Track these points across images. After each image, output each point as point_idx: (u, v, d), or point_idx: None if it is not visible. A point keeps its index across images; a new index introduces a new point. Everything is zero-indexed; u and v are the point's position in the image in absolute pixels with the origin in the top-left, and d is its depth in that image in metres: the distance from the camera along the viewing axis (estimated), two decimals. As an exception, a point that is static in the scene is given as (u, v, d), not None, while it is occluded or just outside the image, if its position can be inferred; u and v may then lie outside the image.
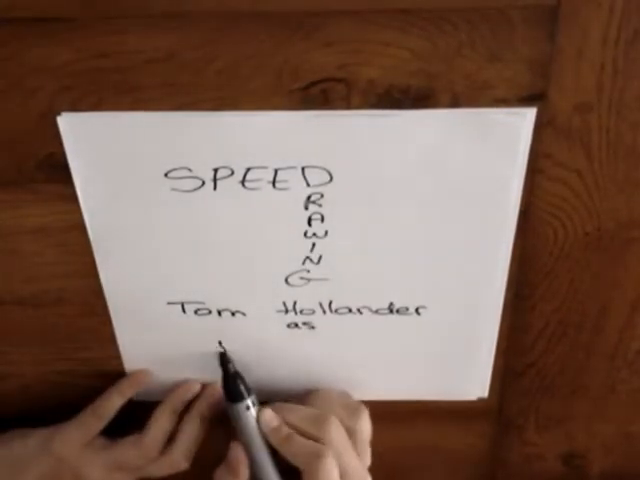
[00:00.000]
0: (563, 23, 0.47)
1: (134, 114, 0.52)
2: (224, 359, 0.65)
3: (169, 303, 0.63)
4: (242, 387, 0.63)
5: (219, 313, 0.64)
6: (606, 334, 0.66)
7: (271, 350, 0.67)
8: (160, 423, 0.66)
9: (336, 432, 0.60)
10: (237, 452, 0.61)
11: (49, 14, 0.48)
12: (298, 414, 0.62)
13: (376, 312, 0.64)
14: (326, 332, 0.66)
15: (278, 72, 0.50)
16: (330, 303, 0.63)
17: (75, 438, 0.66)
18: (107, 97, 0.51)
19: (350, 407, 0.65)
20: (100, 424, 0.66)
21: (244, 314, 0.64)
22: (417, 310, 0.63)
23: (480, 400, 0.71)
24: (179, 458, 0.66)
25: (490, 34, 0.48)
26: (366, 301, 0.63)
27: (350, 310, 0.64)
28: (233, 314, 0.64)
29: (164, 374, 0.69)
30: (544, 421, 0.74)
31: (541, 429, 0.74)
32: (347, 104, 0.51)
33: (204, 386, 0.69)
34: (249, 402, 0.62)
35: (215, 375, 0.69)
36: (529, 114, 0.51)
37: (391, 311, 0.63)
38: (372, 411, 0.72)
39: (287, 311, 0.64)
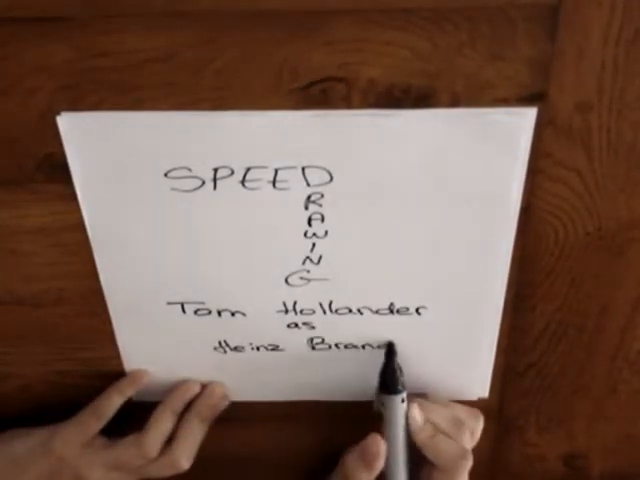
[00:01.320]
0: (564, 22, 0.47)
1: (134, 114, 0.52)
2: (391, 350, 0.66)
3: (169, 303, 0.63)
4: (401, 381, 0.65)
5: (219, 313, 0.64)
6: (607, 334, 0.66)
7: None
8: (160, 423, 0.66)
9: (466, 435, 0.65)
10: (378, 445, 0.64)
11: (49, 13, 0.48)
12: (440, 413, 0.66)
13: (376, 312, 0.63)
14: (326, 332, 0.66)
15: (278, 72, 0.50)
16: (330, 303, 0.63)
17: (75, 437, 0.66)
18: (107, 97, 0.51)
19: (472, 412, 0.68)
20: (99, 423, 0.66)
21: (244, 314, 0.64)
22: (417, 310, 0.63)
23: (480, 400, 0.71)
24: (179, 458, 0.66)
25: (491, 33, 0.48)
26: (366, 301, 0.63)
27: (350, 310, 0.63)
28: (233, 314, 0.64)
29: (164, 374, 0.69)
30: (545, 421, 0.74)
31: (542, 429, 0.74)
32: (347, 104, 0.51)
33: (204, 386, 0.69)
34: (404, 396, 0.65)
35: (215, 375, 0.69)
36: (529, 114, 0.51)
37: (391, 311, 0.63)
38: (372, 412, 0.72)
39: (287, 311, 0.64)
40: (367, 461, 0.63)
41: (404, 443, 0.65)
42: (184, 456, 0.66)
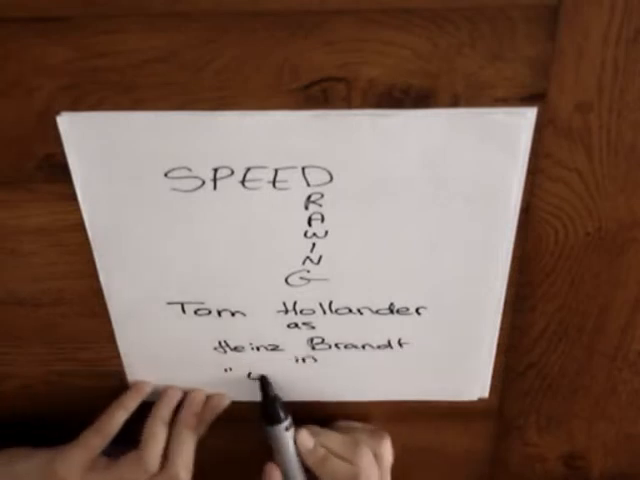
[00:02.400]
0: (564, 22, 0.47)
1: (134, 114, 0.52)
2: (264, 382, 0.68)
3: (169, 303, 0.63)
4: (281, 410, 0.67)
5: (219, 313, 0.64)
6: (607, 334, 0.66)
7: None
8: (156, 437, 0.66)
9: (367, 456, 0.66)
10: (272, 472, 0.67)
11: (49, 13, 0.48)
12: (332, 438, 0.68)
13: (376, 312, 0.63)
14: (326, 332, 0.66)
15: (278, 71, 0.50)
16: (330, 303, 0.63)
17: (78, 459, 0.65)
18: (107, 97, 0.51)
19: (375, 433, 0.70)
20: (104, 442, 0.66)
21: (244, 314, 0.64)
22: (417, 310, 0.63)
23: (480, 400, 0.71)
24: (179, 472, 0.66)
25: (491, 34, 0.48)
26: (366, 301, 0.63)
27: (350, 310, 0.63)
28: (233, 314, 0.64)
29: (163, 374, 0.69)
30: (545, 421, 0.74)
31: (542, 429, 0.74)
32: (347, 104, 0.51)
33: (186, 393, 0.70)
34: (287, 424, 0.67)
35: (214, 374, 0.69)
36: (530, 114, 0.51)
37: (391, 311, 0.63)
38: (372, 411, 0.72)
39: (287, 311, 0.64)
40: None
41: (299, 469, 0.68)
42: (183, 469, 0.66)
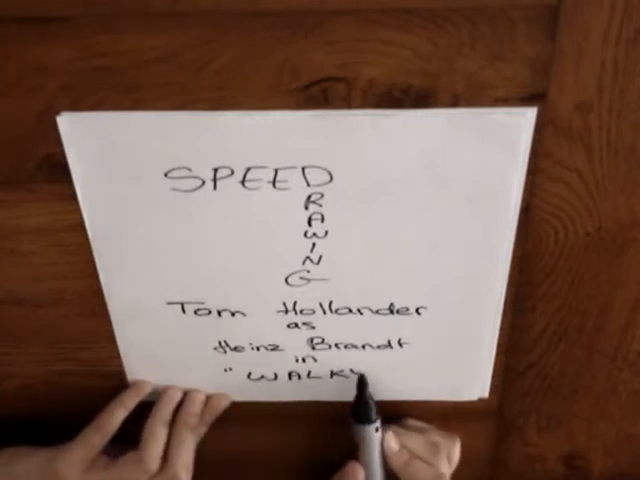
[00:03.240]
0: (564, 22, 0.47)
1: (134, 114, 0.52)
2: (362, 382, 0.68)
3: (169, 303, 0.63)
4: (374, 411, 0.67)
5: (219, 313, 0.64)
6: (607, 334, 0.66)
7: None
8: (156, 437, 0.66)
9: (445, 460, 0.68)
10: (356, 471, 0.67)
11: (49, 13, 0.48)
12: (414, 440, 0.68)
13: (376, 312, 0.63)
14: (326, 332, 0.66)
15: (278, 71, 0.50)
16: (330, 303, 0.63)
17: (78, 457, 0.65)
18: (107, 97, 0.51)
19: (448, 436, 0.71)
20: (104, 440, 0.66)
21: (244, 314, 0.64)
22: (417, 310, 0.63)
23: (480, 400, 0.71)
24: (179, 472, 0.66)
25: (491, 34, 0.48)
26: (366, 301, 0.63)
27: (350, 310, 0.63)
28: (233, 314, 0.64)
29: (163, 374, 0.69)
30: (545, 421, 0.74)
31: (542, 430, 0.74)
32: (347, 104, 0.51)
33: (186, 393, 0.70)
34: (377, 425, 0.67)
35: (214, 374, 0.69)
36: (530, 114, 0.51)
37: (391, 311, 0.63)
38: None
39: (287, 311, 0.64)
40: None
41: (381, 470, 0.68)
42: (183, 469, 0.66)
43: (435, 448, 0.68)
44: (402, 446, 0.67)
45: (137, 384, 0.68)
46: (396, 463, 0.67)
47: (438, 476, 0.66)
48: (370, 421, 0.67)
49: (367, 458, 0.67)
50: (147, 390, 0.68)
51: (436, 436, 0.70)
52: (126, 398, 0.67)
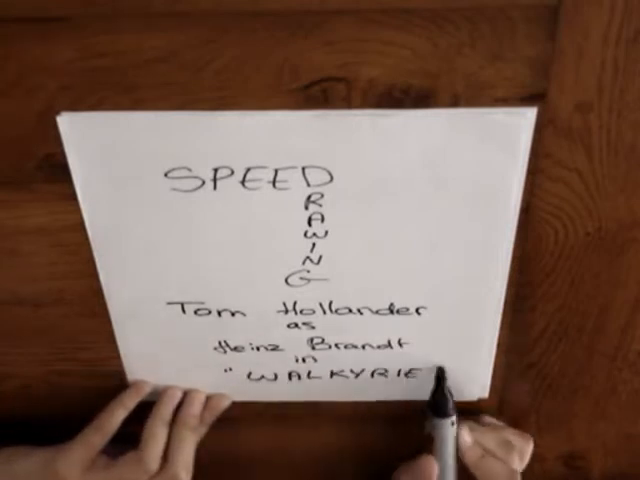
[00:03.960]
0: (564, 22, 0.47)
1: (134, 114, 0.52)
2: (441, 374, 0.68)
3: (169, 303, 0.63)
4: (451, 404, 0.67)
5: (219, 313, 0.64)
6: (607, 334, 0.66)
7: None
8: (156, 437, 0.66)
9: (517, 459, 0.68)
10: (431, 466, 0.66)
11: (49, 13, 0.48)
12: (488, 436, 0.68)
13: (376, 312, 0.63)
14: (326, 332, 0.65)
15: (278, 71, 0.50)
16: (330, 303, 0.63)
17: (78, 457, 0.65)
18: (107, 97, 0.51)
19: (521, 435, 0.71)
20: (104, 440, 0.66)
21: (244, 314, 0.64)
22: (417, 310, 0.63)
23: (480, 400, 0.71)
24: (179, 472, 0.66)
25: (491, 34, 0.48)
26: (366, 301, 0.63)
27: (350, 310, 0.63)
28: (233, 314, 0.64)
29: (163, 374, 0.69)
30: (545, 422, 0.74)
31: (542, 430, 0.74)
32: (347, 104, 0.51)
33: (186, 393, 0.70)
34: (453, 419, 0.67)
35: (214, 375, 0.69)
36: (530, 114, 0.51)
37: (391, 311, 0.63)
38: (372, 411, 0.72)
39: (287, 311, 0.64)
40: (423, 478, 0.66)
41: (454, 464, 0.68)
42: (183, 469, 0.66)
43: (508, 446, 0.68)
44: (476, 442, 0.68)
45: (137, 384, 0.68)
46: (470, 458, 0.67)
47: (510, 473, 0.67)
48: (447, 415, 0.66)
49: (441, 451, 0.67)
50: (147, 390, 0.68)
51: (510, 434, 0.70)
52: (126, 398, 0.67)
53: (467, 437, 0.67)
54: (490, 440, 0.68)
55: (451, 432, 0.67)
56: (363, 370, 0.69)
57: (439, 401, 0.67)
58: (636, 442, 0.76)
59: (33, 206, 0.57)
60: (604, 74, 0.49)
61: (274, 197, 0.55)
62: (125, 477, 0.65)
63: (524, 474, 0.69)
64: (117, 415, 0.66)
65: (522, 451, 0.69)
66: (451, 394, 0.67)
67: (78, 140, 0.53)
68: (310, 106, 0.51)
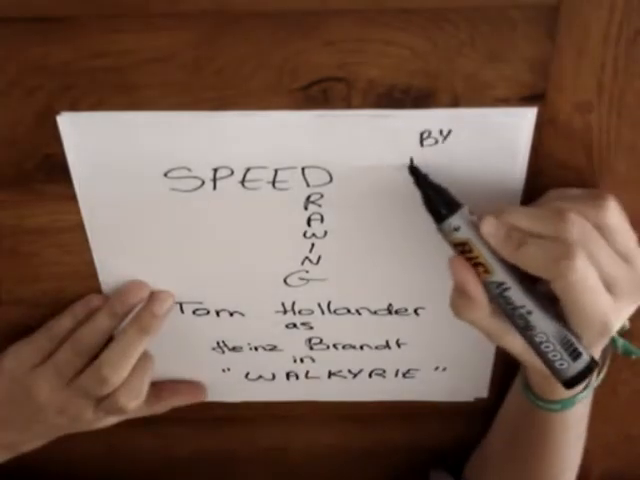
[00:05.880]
0: (564, 22, 0.47)
1: (133, 114, 0.52)
2: (416, 172, 0.53)
3: (168, 303, 0.63)
4: (445, 202, 0.51)
5: (217, 313, 0.64)
6: (606, 334, 0.66)
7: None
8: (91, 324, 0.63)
9: (579, 226, 0.47)
10: (460, 267, 0.51)
11: (49, 13, 0.47)
12: (526, 214, 0.49)
13: (375, 313, 0.64)
14: (325, 333, 0.66)
15: (278, 72, 0.50)
16: (329, 304, 0.63)
17: (26, 356, 0.63)
18: (107, 97, 0.51)
19: (591, 197, 0.51)
20: (51, 344, 0.63)
21: (242, 314, 0.64)
22: (416, 311, 0.63)
23: (480, 400, 0.71)
24: (102, 368, 0.62)
25: (491, 33, 0.48)
26: (365, 302, 0.63)
27: (349, 311, 0.64)
28: (231, 314, 0.64)
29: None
30: (544, 422, 0.74)
31: (541, 430, 0.74)
32: (347, 104, 0.51)
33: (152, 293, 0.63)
34: (464, 212, 0.51)
35: (212, 374, 0.69)
36: (529, 114, 0.51)
37: (390, 312, 0.63)
38: (371, 412, 0.72)
39: (285, 311, 0.64)
40: (463, 290, 0.51)
41: (497, 264, 0.50)
42: (107, 366, 0.61)
43: (554, 216, 0.48)
44: (510, 227, 0.49)
45: (89, 297, 0.64)
46: (505, 251, 0.49)
47: (562, 252, 0.47)
48: (441, 217, 0.51)
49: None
50: (96, 303, 0.63)
51: (568, 203, 0.50)
52: (77, 307, 0.64)
53: (492, 227, 0.49)
54: (526, 218, 0.49)
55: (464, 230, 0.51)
56: (361, 370, 0.69)
57: (433, 202, 0.52)
58: (636, 442, 0.76)
59: (33, 206, 0.57)
60: (604, 74, 0.49)
61: (274, 197, 0.55)
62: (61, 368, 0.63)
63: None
64: (65, 321, 0.64)
65: (598, 220, 0.49)
66: (445, 189, 0.52)
67: (78, 140, 0.53)
68: (310, 106, 0.51)
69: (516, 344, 0.53)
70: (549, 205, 0.51)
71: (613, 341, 0.61)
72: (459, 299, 0.52)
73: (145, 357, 0.64)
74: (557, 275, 0.47)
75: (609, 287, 0.48)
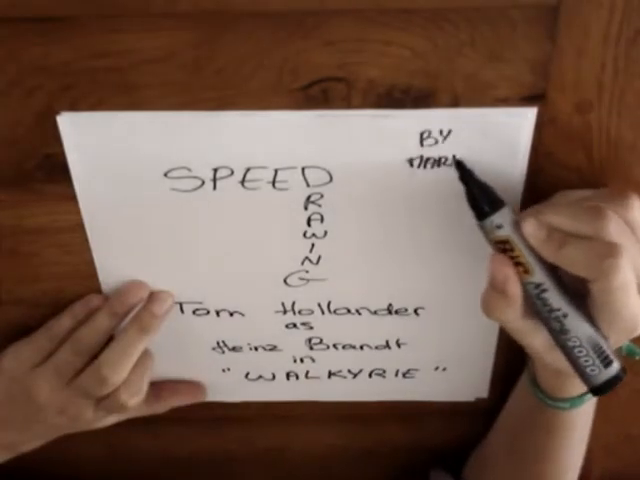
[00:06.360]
0: (564, 22, 0.47)
1: (133, 114, 0.52)
2: (462, 167, 0.53)
3: (168, 303, 0.63)
4: (489, 199, 0.51)
5: (217, 313, 0.64)
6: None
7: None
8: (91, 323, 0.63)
9: (615, 224, 0.48)
10: (502, 265, 0.50)
11: (48, 13, 0.47)
12: (566, 214, 0.49)
13: (375, 313, 0.64)
14: (325, 333, 0.66)
15: (278, 71, 0.50)
16: (329, 304, 0.63)
17: (25, 355, 0.63)
18: (106, 97, 0.51)
19: (617, 195, 0.52)
20: (51, 345, 0.63)
21: (242, 314, 0.64)
22: (416, 311, 0.63)
23: (480, 400, 0.71)
24: (101, 367, 0.62)
25: (491, 33, 0.48)
26: (365, 302, 0.63)
27: (349, 311, 0.64)
28: (231, 314, 0.64)
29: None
30: (544, 422, 0.74)
31: (541, 430, 0.74)
32: (347, 104, 0.51)
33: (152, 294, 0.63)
34: (507, 210, 0.51)
35: (212, 374, 0.69)
36: (530, 114, 0.51)
37: (390, 312, 0.63)
38: (371, 412, 0.72)
39: (285, 311, 0.64)
40: (498, 286, 0.50)
41: (537, 264, 0.50)
42: (106, 366, 0.62)
43: (592, 214, 0.48)
44: (550, 228, 0.49)
45: (88, 297, 0.64)
46: (546, 251, 0.49)
47: (606, 250, 0.47)
48: (489, 213, 0.51)
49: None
50: (96, 302, 0.63)
51: (596, 200, 0.50)
52: (76, 307, 0.64)
53: (534, 228, 0.49)
54: (565, 217, 0.49)
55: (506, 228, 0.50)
56: (361, 370, 0.69)
57: (477, 200, 0.51)
58: (636, 442, 0.76)
59: (33, 206, 0.57)
60: (604, 74, 0.49)
61: (274, 197, 0.55)
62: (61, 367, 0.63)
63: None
64: (65, 321, 0.63)
65: (627, 216, 0.49)
66: (489, 187, 0.51)
67: (78, 140, 0.53)
68: (310, 106, 0.51)
69: (539, 343, 0.53)
70: (581, 205, 0.50)
71: None
72: (494, 297, 0.51)
73: (145, 354, 0.64)
74: (600, 274, 0.47)
75: (638, 286, 0.49)
